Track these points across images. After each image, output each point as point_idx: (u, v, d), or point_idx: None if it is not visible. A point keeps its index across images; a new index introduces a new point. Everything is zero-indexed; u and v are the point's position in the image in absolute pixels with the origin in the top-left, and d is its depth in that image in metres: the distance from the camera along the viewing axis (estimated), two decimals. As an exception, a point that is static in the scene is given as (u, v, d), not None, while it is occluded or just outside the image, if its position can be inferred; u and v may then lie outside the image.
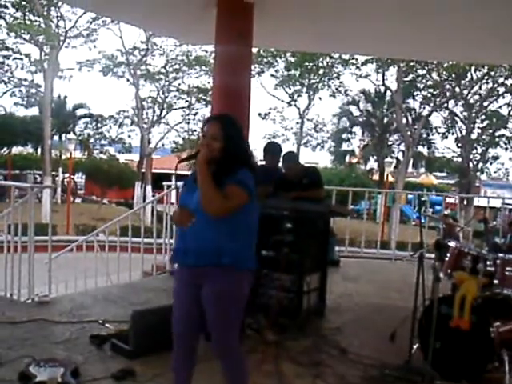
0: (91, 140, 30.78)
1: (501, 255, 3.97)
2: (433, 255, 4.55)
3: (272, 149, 6.20)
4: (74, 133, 29.32)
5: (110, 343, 4.15)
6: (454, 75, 23.79)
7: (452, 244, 4.12)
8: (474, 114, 25.76)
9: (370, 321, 5.29)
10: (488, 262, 3.91)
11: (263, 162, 6.18)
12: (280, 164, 5.97)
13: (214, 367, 3.01)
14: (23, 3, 22.82)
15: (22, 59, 25.10)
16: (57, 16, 24.04)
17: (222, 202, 2.72)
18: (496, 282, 3.90)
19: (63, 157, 29.17)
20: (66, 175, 27.01)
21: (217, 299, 2.79)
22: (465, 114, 26.11)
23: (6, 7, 22.93)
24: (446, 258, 4.11)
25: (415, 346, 3.96)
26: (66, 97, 30.60)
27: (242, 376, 2.92)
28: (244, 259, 2.84)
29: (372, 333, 4.87)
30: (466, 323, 3.60)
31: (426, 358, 3.64)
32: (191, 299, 2.86)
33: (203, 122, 3.09)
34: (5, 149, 29.63)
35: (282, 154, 5.99)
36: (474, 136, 26.56)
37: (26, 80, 26.64)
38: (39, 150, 28.48)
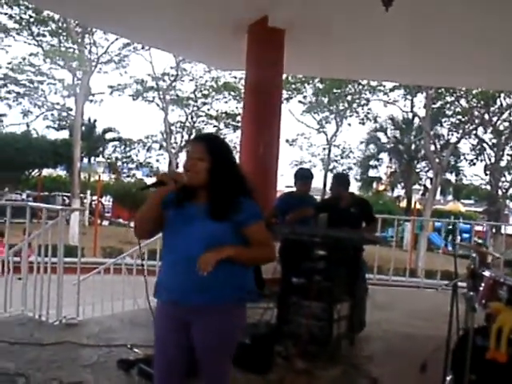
0: (119, 163, 31.21)
1: (538, 286, 3.85)
2: (464, 284, 4.45)
3: (303, 175, 6.18)
4: (103, 156, 29.81)
5: (138, 368, 4.11)
6: (482, 102, 23.62)
7: (486, 273, 4.03)
8: (503, 141, 25.48)
9: (400, 350, 5.18)
10: (525, 293, 3.80)
11: (294, 189, 6.18)
12: (332, 186, 5.92)
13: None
14: (59, 31, 23.68)
15: (55, 84, 25.91)
16: (90, 43, 24.80)
17: (267, 251, 2.59)
18: (533, 313, 3.78)
19: (91, 179, 29.60)
20: (94, 198, 27.35)
21: (217, 339, 2.54)
22: (494, 140, 25.86)
23: (43, 36, 23.90)
24: (481, 288, 4.01)
25: (448, 378, 3.85)
26: (95, 120, 31.25)
27: None
28: (248, 291, 2.63)
29: (403, 362, 4.75)
30: (503, 356, 3.48)
31: (461, 390, 3.53)
32: (179, 341, 2.60)
33: (186, 144, 2.77)
34: (36, 170, 30.22)
35: (333, 175, 6.21)
36: (503, 163, 26.24)
37: (58, 104, 27.50)
38: (69, 172, 29.00)
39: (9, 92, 26.10)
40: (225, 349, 2.60)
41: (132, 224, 28.00)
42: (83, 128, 26.94)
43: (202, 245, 2.44)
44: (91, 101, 27.08)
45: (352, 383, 4.20)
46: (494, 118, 24.84)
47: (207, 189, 2.55)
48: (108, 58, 25.25)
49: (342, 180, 5.93)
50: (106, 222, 29.48)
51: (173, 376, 2.65)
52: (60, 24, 23.40)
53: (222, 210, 2.50)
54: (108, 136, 31.27)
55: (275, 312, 5.06)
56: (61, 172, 32.19)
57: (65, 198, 28.29)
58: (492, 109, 24.38)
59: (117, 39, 23.63)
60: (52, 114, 28.46)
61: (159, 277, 2.67)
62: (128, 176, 31.11)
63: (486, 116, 24.55)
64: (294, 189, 6.15)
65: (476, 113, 24.65)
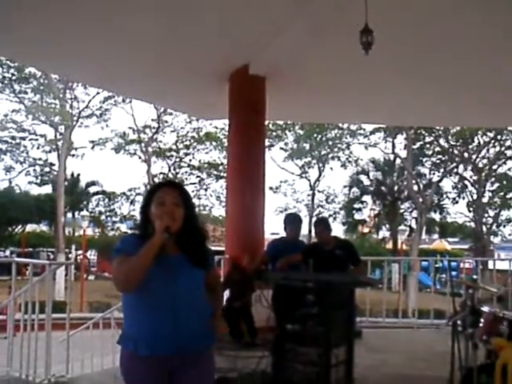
0: (103, 217, 30.94)
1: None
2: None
3: (292, 220, 6.16)
4: (87, 210, 29.58)
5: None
6: (461, 140, 24.04)
7: (485, 309, 3.97)
8: (483, 178, 25.83)
9: (400, 394, 5.06)
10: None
11: (283, 234, 6.14)
12: (316, 231, 5.91)
13: None
14: (41, 87, 23.94)
15: (37, 139, 25.91)
16: (71, 98, 25.03)
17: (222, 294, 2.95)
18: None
19: (76, 234, 29.29)
20: (79, 252, 27.02)
21: (209, 380, 2.61)
22: (474, 178, 26.20)
23: (25, 92, 24.16)
24: (480, 324, 3.95)
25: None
26: (79, 175, 31.01)
27: None
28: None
29: (404, 407, 4.64)
30: (509, 393, 3.41)
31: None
32: None
33: (152, 188, 2.61)
34: (19, 226, 29.88)
35: (314, 220, 6.31)
36: (485, 199, 26.51)
37: (40, 159, 27.33)
38: (53, 228, 28.72)
39: (-10, 149, 26.07)
40: None
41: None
42: (66, 183, 26.83)
43: (199, 291, 2.52)
44: (73, 155, 27.05)
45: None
46: (474, 156, 25.25)
47: (177, 236, 2.46)
48: (89, 112, 25.46)
49: (323, 224, 6.01)
50: (91, 277, 29.04)
51: None
52: (42, 80, 23.67)
53: (205, 259, 2.57)
54: (91, 190, 31.03)
55: (270, 360, 4.94)
56: (44, 227, 31.86)
57: (49, 253, 27.90)
58: (470, 147, 24.80)
59: (98, 93, 24.02)
60: (34, 170, 28.23)
61: (138, 329, 2.46)
62: (112, 229, 30.77)
63: (466, 154, 24.95)
64: (284, 234, 6.13)
65: (455, 151, 25.05)
